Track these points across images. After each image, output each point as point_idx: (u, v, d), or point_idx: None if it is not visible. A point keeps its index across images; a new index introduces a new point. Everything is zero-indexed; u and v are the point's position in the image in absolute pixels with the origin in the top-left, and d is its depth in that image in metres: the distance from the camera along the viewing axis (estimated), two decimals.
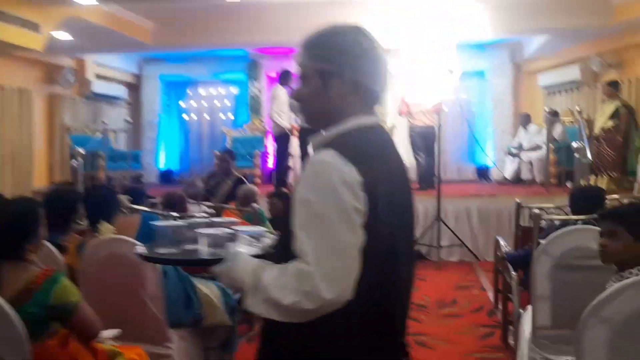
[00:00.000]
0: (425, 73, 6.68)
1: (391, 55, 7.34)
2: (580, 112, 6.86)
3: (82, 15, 6.22)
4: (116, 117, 10.21)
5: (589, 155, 6.18)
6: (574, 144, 6.30)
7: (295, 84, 8.35)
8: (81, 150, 6.83)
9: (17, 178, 7.80)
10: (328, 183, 1.27)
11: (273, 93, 7.82)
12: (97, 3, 5.43)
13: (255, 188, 5.02)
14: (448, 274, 5.93)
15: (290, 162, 8.13)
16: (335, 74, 1.39)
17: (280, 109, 7.55)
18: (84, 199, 3.43)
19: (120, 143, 10.30)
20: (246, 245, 1.69)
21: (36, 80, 8.44)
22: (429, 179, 7.45)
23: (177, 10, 7.41)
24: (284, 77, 7.73)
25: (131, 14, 7.28)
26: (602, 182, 6.75)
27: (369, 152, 1.36)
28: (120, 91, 10.32)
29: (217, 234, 1.86)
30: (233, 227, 1.96)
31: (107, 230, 2.99)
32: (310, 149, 1.42)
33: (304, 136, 7.51)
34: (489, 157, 9.11)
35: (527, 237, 4.08)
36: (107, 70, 9.91)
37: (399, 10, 7.45)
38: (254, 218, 4.37)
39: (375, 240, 1.30)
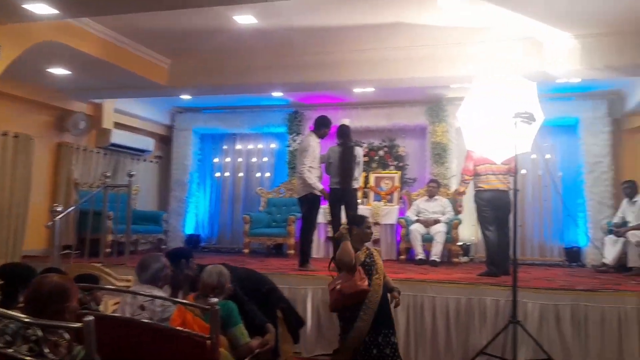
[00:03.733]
0: (494, 119, 4.89)
1: (453, 104, 5.42)
2: None
3: (60, 39, 5.06)
4: (141, 173, 9.11)
5: None
6: None
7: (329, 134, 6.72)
8: (58, 208, 5.51)
9: (6, 237, 6.62)
10: None
11: (303, 143, 6.09)
12: (57, 12, 4.18)
13: (223, 269, 3.32)
14: None
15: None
16: None
17: (312, 164, 5.92)
18: None
19: (144, 202, 9.16)
20: None
21: (41, 126, 7.41)
22: (501, 261, 5.57)
23: (195, 44, 6.18)
24: (320, 125, 6.03)
25: (137, 46, 6.12)
26: None
27: None
28: (147, 144, 9.17)
29: None
30: None
31: None
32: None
33: (337, 199, 5.89)
34: (587, 236, 7.04)
35: None
36: (131, 119, 8.87)
37: (463, 44, 5.88)
38: (212, 318, 2.72)
39: None
